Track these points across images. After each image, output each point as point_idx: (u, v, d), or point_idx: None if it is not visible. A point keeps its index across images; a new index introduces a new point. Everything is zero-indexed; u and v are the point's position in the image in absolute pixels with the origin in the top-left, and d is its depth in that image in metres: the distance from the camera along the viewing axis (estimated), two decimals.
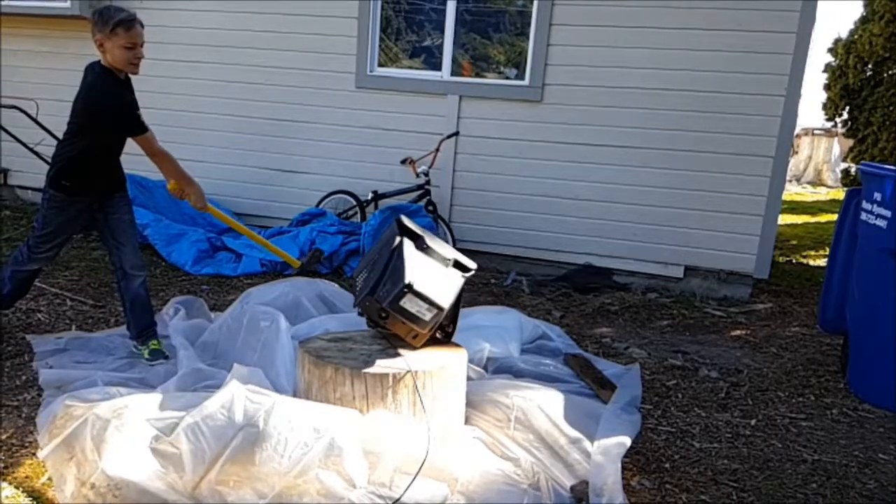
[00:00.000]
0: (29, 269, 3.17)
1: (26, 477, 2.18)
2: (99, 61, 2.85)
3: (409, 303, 2.19)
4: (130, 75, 2.92)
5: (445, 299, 2.19)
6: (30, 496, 2.08)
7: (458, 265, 2.32)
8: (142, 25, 2.85)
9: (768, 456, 2.68)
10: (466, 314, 3.61)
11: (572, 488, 2.24)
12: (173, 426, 2.12)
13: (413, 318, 2.22)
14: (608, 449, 2.33)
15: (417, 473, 2.04)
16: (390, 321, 2.31)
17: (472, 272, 2.33)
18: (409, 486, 2.01)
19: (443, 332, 2.53)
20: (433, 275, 2.25)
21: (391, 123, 5.56)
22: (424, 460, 2.09)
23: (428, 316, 2.19)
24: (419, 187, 5.32)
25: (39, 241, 3.05)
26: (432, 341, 2.51)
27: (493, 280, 5.24)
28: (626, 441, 2.44)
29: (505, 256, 5.51)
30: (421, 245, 2.33)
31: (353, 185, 5.62)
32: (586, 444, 2.38)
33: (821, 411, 3.15)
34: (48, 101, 5.64)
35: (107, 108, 2.83)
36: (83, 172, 2.96)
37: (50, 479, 2.13)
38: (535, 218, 5.38)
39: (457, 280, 2.25)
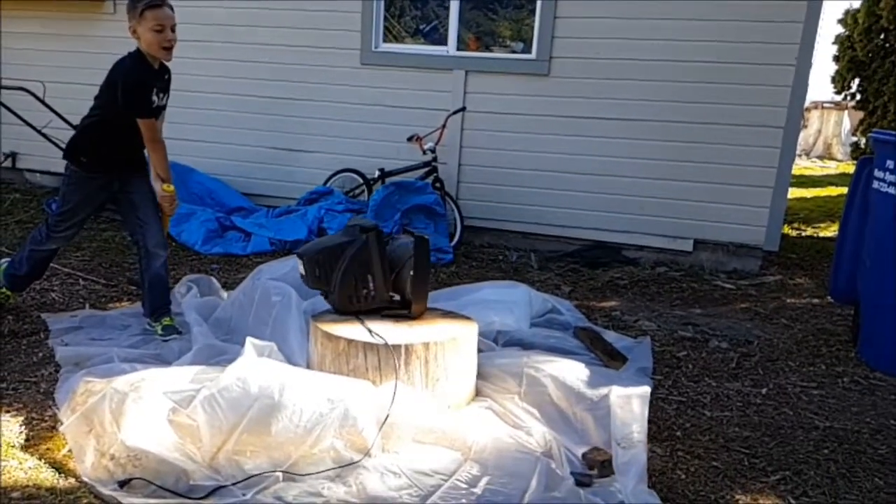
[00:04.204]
0: (47, 249, 3.20)
1: (47, 449, 2.22)
2: (137, 48, 2.90)
3: (300, 267, 2.59)
4: (165, 62, 2.95)
5: (307, 251, 2.57)
6: (52, 467, 2.12)
7: (362, 229, 2.52)
8: (171, 8, 2.87)
9: (780, 423, 2.69)
10: (475, 289, 3.62)
11: (584, 455, 2.26)
12: (190, 399, 2.15)
13: (306, 280, 2.58)
14: (629, 399, 2.26)
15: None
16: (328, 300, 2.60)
17: (371, 231, 2.49)
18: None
19: (401, 303, 2.57)
20: (314, 243, 2.69)
21: (397, 100, 5.53)
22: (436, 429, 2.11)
23: (302, 269, 2.57)
24: (426, 164, 5.30)
25: (59, 218, 3.09)
26: (404, 317, 2.53)
27: (500, 256, 5.25)
28: (647, 389, 2.36)
29: (513, 233, 5.50)
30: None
31: (360, 163, 5.60)
32: (597, 411, 2.39)
33: (832, 380, 3.16)
34: (53, 83, 5.61)
35: (120, 82, 2.85)
36: (100, 149, 2.99)
37: (70, 451, 2.16)
38: (542, 193, 5.36)
39: (343, 240, 2.51)
